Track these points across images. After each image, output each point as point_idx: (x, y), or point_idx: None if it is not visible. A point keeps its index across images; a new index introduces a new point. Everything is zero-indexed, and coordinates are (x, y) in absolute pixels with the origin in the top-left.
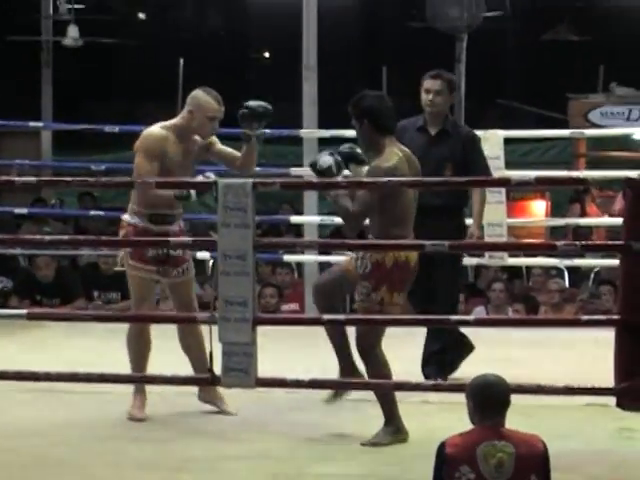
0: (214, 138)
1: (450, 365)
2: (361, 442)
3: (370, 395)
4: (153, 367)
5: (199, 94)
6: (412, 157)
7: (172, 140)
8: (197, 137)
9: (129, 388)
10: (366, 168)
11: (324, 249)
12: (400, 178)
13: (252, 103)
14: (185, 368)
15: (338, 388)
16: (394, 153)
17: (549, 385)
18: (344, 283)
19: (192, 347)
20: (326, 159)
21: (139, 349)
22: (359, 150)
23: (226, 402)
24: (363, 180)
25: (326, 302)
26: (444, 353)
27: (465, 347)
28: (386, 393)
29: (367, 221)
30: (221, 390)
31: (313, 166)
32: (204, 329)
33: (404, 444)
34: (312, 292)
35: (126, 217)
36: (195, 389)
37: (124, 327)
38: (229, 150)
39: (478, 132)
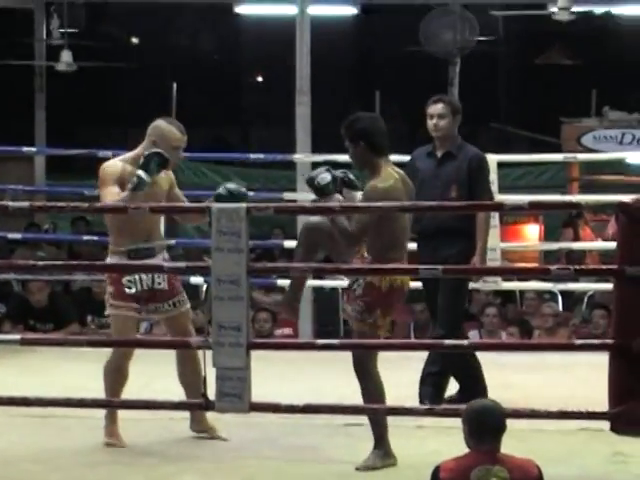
0: (173, 179)
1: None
2: (355, 467)
3: (363, 419)
4: (147, 392)
5: (162, 124)
6: (407, 179)
7: (130, 171)
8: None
9: (122, 414)
10: (359, 193)
11: (318, 274)
12: (395, 203)
13: (231, 186)
14: (178, 393)
15: (331, 413)
16: (390, 174)
17: (543, 410)
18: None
19: (189, 382)
20: (324, 175)
21: (116, 382)
22: (351, 176)
23: (217, 430)
24: (358, 205)
25: None
26: (442, 376)
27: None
28: (378, 416)
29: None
30: (211, 417)
31: (310, 182)
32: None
33: (398, 469)
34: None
35: (107, 260)
36: (188, 414)
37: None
38: (182, 197)
39: None
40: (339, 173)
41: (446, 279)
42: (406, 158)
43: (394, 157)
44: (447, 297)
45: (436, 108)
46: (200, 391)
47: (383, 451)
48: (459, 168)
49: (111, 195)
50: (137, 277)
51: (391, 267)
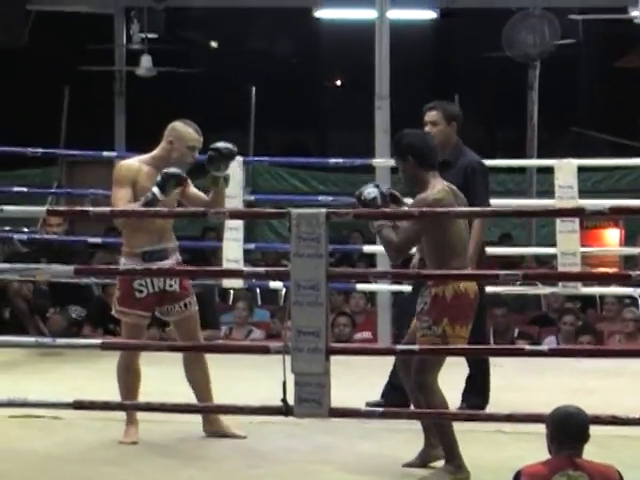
0: (188, 180)
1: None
2: None
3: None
4: (227, 397)
5: (178, 125)
6: (458, 192)
7: (146, 171)
8: None
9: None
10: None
11: (397, 279)
12: (456, 209)
13: (220, 145)
14: (254, 397)
15: (411, 418)
16: (439, 186)
17: (624, 416)
18: None
19: (197, 379)
20: (371, 190)
21: (128, 381)
22: (396, 193)
23: (231, 427)
24: (437, 210)
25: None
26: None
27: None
28: (445, 429)
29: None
30: (289, 425)
31: (358, 197)
32: (275, 361)
33: (477, 473)
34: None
35: (121, 261)
36: (268, 419)
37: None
38: (199, 194)
39: (552, 161)
40: (385, 189)
41: None
42: (485, 162)
43: None
44: None
45: (429, 115)
46: (210, 392)
47: (454, 466)
48: (455, 177)
49: (122, 200)
50: (148, 280)
51: (472, 273)
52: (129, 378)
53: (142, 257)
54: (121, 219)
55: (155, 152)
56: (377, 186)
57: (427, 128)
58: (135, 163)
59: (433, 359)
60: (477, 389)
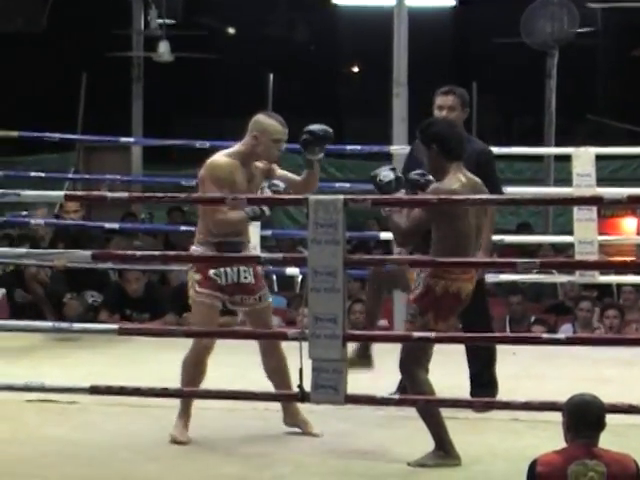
0: (272, 167)
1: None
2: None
3: (461, 413)
4: (243, 383)
5: (262, 118)
6: (478, 185)
7: (238, 167)
8: (257, 163)
9: (220, 404)
10: None
11: (414, 266)
12: (473, 196)
13: (314, 128)
14: (270, 383)
15: (432, 404)
16: (457, 178)
17: None
18: (401, 278)
19: (276, 371)
20: (387, 173)
21: (193, 376)
22: (430, 177)
23: (310, 424)
24: (456, 198)
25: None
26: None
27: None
28: (432, 416)
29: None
30: (304, 412)
31: (373, 178)
32: (291, 347)
33: (494, 461)
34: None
35: (193, 248)
36: (280, 406)
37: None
38: (289, 175)
39: (569, 149)
40: (416, 175)
41: None
42: (503, 150)
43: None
44: None
45: (447, 99)
46: (287, 379)
47: (442, 452)
48: (466, 162)
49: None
50: (222, 270)
51: (489, 261)
52: (195, 373)
53: (217, 247)
54: (222, 219)
55: (239, 147)
56: (393, 169)
57: (443, 113)
58: (230, 160)
59: (419, 348)
60: (483, 383)
